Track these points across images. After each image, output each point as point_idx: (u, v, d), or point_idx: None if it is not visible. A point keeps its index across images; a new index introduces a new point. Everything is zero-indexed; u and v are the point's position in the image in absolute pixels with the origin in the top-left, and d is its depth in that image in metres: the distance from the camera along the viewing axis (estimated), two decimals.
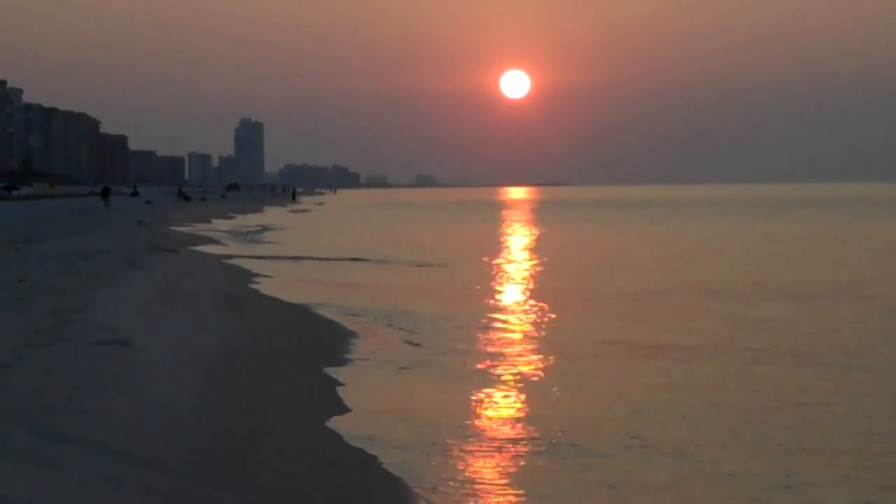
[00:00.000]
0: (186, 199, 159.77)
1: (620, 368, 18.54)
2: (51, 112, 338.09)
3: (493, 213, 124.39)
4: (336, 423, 13.76)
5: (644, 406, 15.27)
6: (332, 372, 17.39)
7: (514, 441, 13.25)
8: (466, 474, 11.84)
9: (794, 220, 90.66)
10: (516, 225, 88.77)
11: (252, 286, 31.48)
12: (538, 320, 24.94)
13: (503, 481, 11.64)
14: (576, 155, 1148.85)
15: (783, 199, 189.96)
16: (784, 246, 53.68)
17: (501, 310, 27.07)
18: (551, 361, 19.21)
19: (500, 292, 31.87)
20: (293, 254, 48.59)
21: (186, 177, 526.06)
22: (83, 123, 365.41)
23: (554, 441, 13.19)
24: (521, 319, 25.02)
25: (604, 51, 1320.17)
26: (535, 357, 19.66)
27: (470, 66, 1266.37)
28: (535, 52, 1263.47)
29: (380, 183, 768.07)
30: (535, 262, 44.76)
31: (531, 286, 33.70)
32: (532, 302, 28.86)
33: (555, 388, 16.73)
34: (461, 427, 13.96)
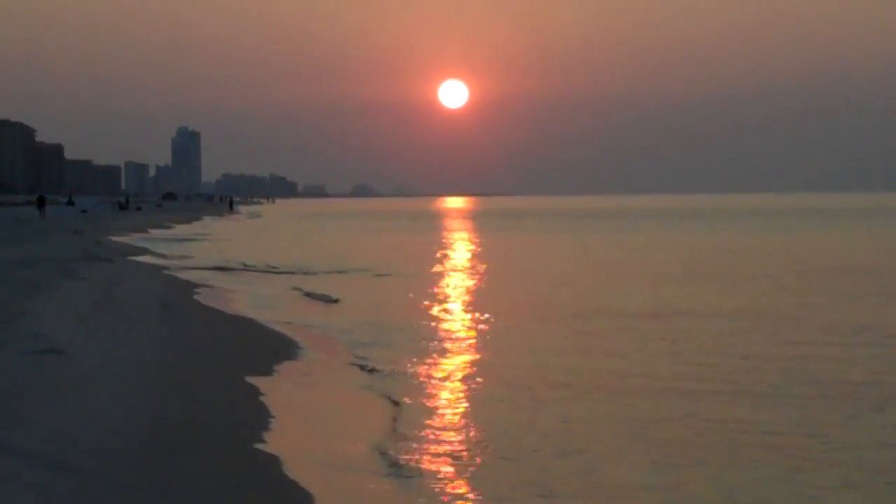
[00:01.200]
0: (122, 208, 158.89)
1: (552, 398, 18.04)
2: None
3: (435, 223, 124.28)
4: (264, 434, 13.83)
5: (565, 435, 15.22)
6: (264, 382, 17.43)
7: (417, 468, 12.87)
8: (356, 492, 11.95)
9: (718, 231, 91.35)
10: (458, 235, 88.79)
11: (188, 296, 31.48)
12: (476, 336, 24.57)
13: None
14: (515, 165, 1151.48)
15: (722, 209, 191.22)
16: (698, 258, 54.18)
17: (445, 325, 26.50)
18: (482, 382, 18.70)
19: (446, 304, 31.50)
20: (233, 264, 48.43)
21: (123, 186, 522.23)
22: (18, 131, 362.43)
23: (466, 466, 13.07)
24: (463, 337, 24.31)
25: (542, 61, 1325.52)
26: (467, 376, 19.21)
27: (408, 75, 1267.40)
28: (474, 62, 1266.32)
29: (317, 192, 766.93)
30: (477, 273, 44.82)
31: (473, 298, 33.54)
32: (472, 315, 28.71)
33: (479, 412, 16.06)
34: (366, 444, 13.91)
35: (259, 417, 14.69)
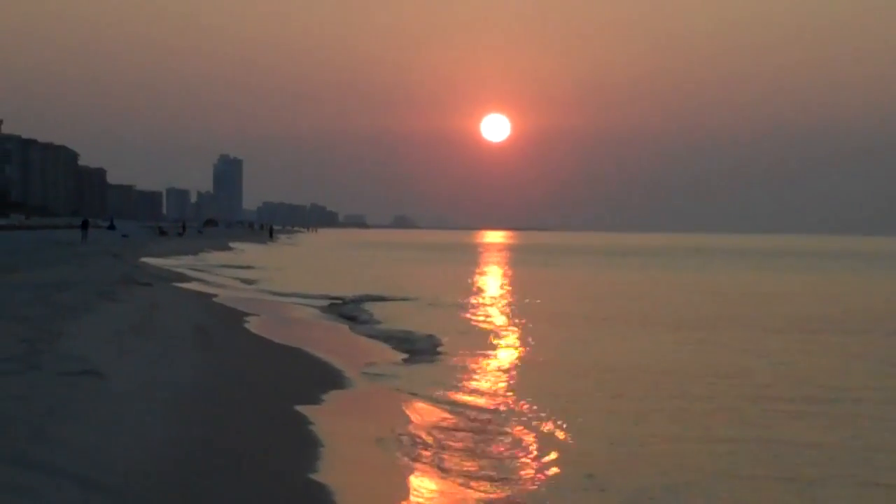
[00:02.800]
0: (163, 233, 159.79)
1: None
2: (29, 143, 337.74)
3: (476, 257, 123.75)
4: (304, 459, 13.52)
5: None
6: (307, 410, 17.05)
7: None
8: None
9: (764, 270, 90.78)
10: (501, 269, 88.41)
11: (233, 323, 31.25)
12: (526, 382, 23.01)
13: None
14: (555, 200, 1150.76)
15: (762, 249, 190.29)
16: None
17: (494, 360, 25.78)
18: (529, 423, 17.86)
19: (496, 339, 30.84)
20: (273, 291, 48.34)
21: (164, 211, 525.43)
22: (62, 156, 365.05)
23: None
24: (516, 371, 23.90)
25: (585, 96, 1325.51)
26: (522, 411, 18.56)
27: (450, 108, 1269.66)
28: (516, 96, 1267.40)
29: (358, 223, 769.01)
30: (523, 309, 44.57)
31: (523, 337, 32.80)
32: (522, 353, 28.14)
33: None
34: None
35: (303, 445, 14.36)
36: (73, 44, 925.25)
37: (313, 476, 12.65)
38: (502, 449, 15.33)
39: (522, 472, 13.84)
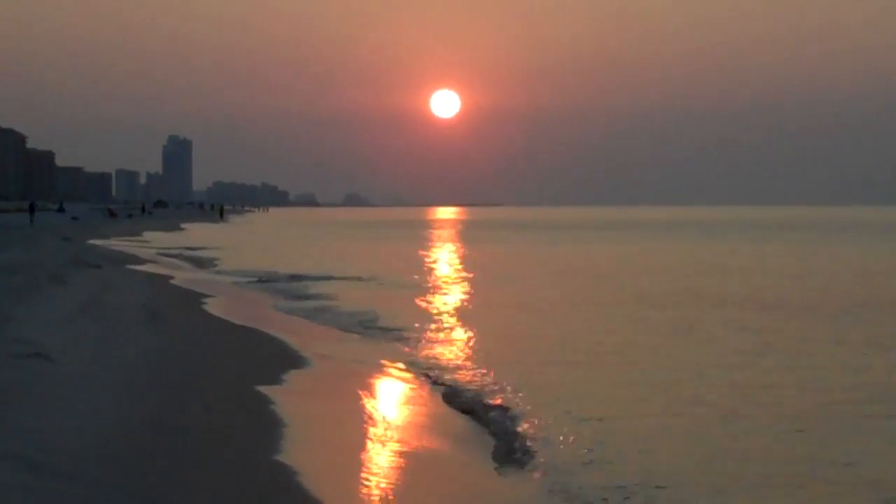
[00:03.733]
0: (113, 215, 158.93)
1: None
2: None
3: (429, 234, 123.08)
4: (267, 440, 13.47)
5: None
6: (267, 390, 16.93)
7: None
8: None
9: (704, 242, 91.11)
10: (453, 246, 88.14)
11: (177, 302, 31.14)
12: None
13: None
14: (506, 175, 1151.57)
15: (707, 221, 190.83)
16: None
17: (455, 338, 25.44)
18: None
19: (452, 317, 30.52)
20: (224, 271, 48.14)
21: (114, 193, 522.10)
22: (9, 138, 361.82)
23: None
24: (472, 348, 23.74)
25: (534, 72, 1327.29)
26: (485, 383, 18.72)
27: (400, 85, 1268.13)
28: (466, 71, 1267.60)
29: (309, 202, 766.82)
30: (478, 286, 44.55)
31: (478, 313, 32.78)
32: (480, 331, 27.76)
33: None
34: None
35: (266, 426, 14.33)
36: (20, 26, 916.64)
37: (277, 457, 12.61)
38: (461, 423, 15.38)
39: (483, 448, 13.86)
